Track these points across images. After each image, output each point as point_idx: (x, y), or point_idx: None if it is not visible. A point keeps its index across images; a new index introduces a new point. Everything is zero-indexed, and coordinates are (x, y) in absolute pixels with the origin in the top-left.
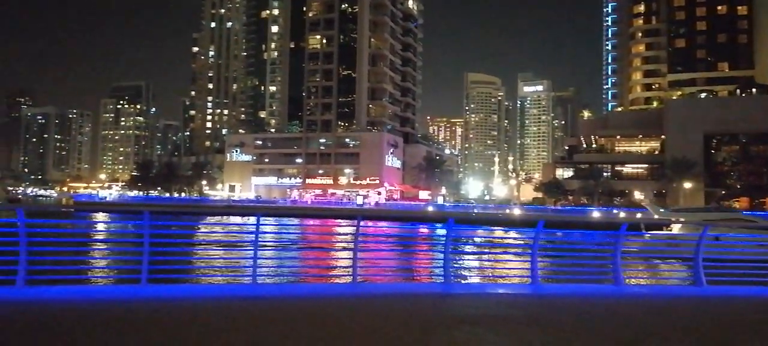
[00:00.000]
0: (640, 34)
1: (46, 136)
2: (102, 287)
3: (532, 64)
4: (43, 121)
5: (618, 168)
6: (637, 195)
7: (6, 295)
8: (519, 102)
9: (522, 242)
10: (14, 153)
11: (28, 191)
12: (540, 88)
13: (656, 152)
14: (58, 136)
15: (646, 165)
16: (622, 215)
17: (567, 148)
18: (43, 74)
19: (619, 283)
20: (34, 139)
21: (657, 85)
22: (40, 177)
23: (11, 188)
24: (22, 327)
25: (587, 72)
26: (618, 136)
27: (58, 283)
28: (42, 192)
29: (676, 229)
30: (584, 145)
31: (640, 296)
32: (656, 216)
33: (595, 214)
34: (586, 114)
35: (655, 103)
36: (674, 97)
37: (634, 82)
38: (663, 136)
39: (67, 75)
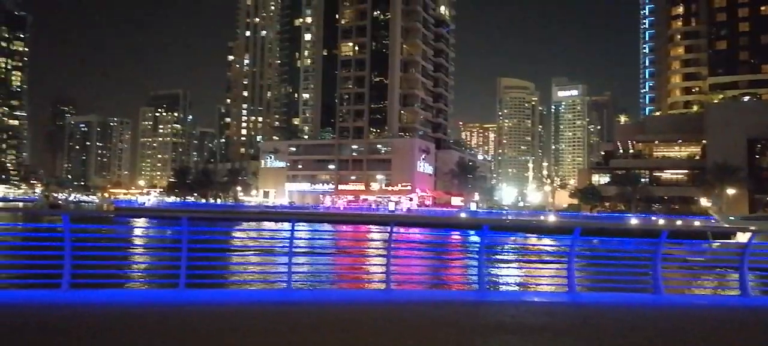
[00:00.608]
0: (679, 37)
1: (88, 143)
2: (142, 291)
3: (567, 69)
4: (86, 129)
5: (656, 174)
6: (704, 202)
7: (52, 298)
8: (553, 107)
9: (558, 250)
10: (58, 160)
11: (71, 196)
12: (575, 92)
13: (697, 157)
14: (100, 144)
15: (687, 170)
16: (662, 222)
17: (603, 153)
18: (85, 83)
19: (659, 292)
20: (77, 147)
21: (697, 89)
22: (82, 183)
23: (55, 194)
24: (68, 329)
25: (623, 76)
26: (656, 141)
27: (100, 287)
28: (84, 198)
29: (743, 237)
30: (621, 151)
31: (682, 305)
32: (726, 225)
33: (634, 221)
34: (622, 119)
35: (695, 107)
36: (715, 101)
37: (673, 86)
38: (704, 141)
39: (107, 84)
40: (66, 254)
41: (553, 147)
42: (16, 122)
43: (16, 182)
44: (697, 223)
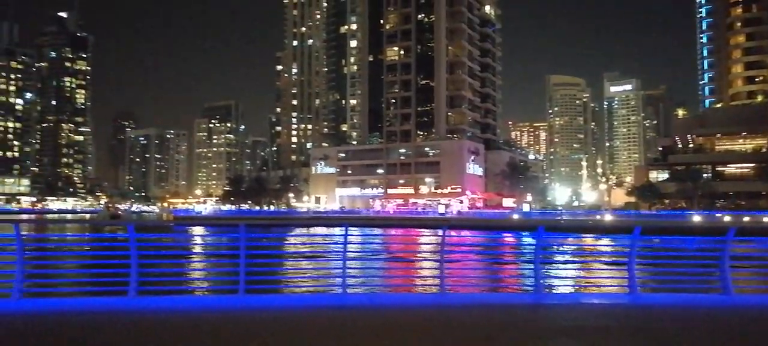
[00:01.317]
0: (739, 24)
1: (147, 155)
2: (204, 297)
3: (619, 63)
4: (145, 142)
5: (719, 169)
6: None
7: (120, 305)
8: (606, 103)
9: (616, 250)
10: (121, 172)
11: (133, 207)
12: (628, 87)
13: (764, 150)
14: (158, 156)
15: (753, 164)
16: (728, 219)
17: (661, 149)
18: (143, 98)
19: (728, 292)
20: (138, 159)
21: (761, 78)
22: (143, 194)
23: (117, 205)
24: (136, 334)
25: (680, 68)
26: (718, 135)
27: (164, 293)
28: (145, 208)
29: None
30: (680, 146)
31: (753, 306)
32: None
33: (696, 218)
34: (680, 112)
35: (759, 98)
36: None
37: (734, 76)
38: None
39: (164, 98)
40: (132, 262)
41: (607, 144)
42: (81, 138)
43: (82, 195)
44: (767, 219)
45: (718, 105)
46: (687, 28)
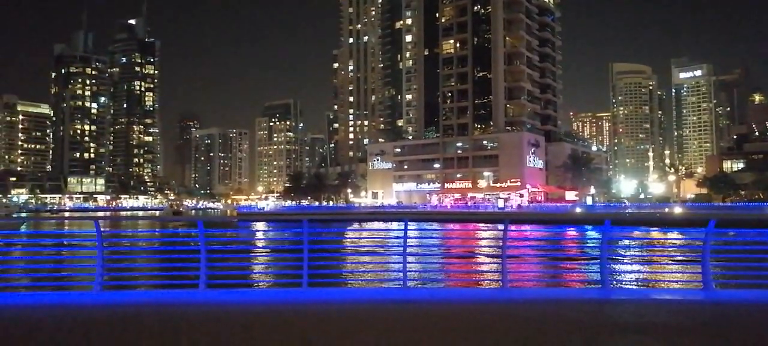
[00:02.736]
0: None
1: (211, 154)
2: (269, 291)
3: (688, 48)
4: (209, 141)
5: None
6: None
7: (192, 297)
8: (673, 90)
9: (688, 244)
10: (187, 170)
11: (199, 204)
12: (699, 73)
13: None
14: (222, 154)
15: None
16: None
17: (735, 137)
18: (206, 99)
19: None
20: (202, 158)
21: None
22: (208, 191)
23: (182, 202)
24: (207, 325)
25: (755, 51)
26: None
27: (232, 287)
28: (210, 204)
29: None
30: (757, 133)
31: None
32: None
33: None
34: (757, 98)
35: None
36: None
37: None
38: None
39: (226, 98)
40: (202, 257)
41: (676, 133)
42: (150, 139)
43: (152, 193)
44: None
45: None
46: (763, 7)
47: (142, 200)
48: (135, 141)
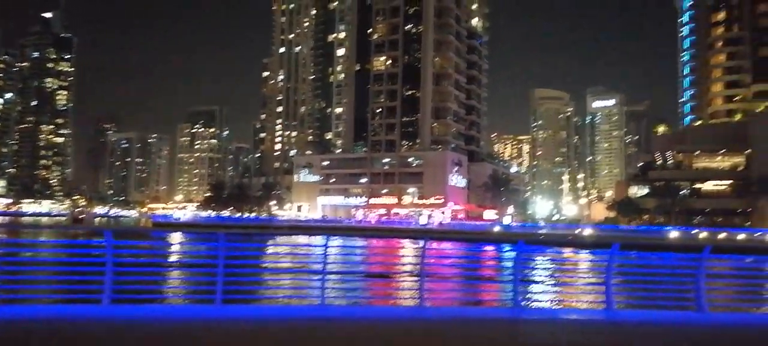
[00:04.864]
0: (720, 44)
1: (128, 159)
2: (181, 307)
3: (603, 78)
4: (126, 145)
5: (697, 185)
6: None
7: (93, 313)
8: (589, 117)
9: (595, 266)
10: (101, 176)
11: (111, 211)
12: (611, 102)
13: (740, 168)
14: (139, 160)
15: (730, 182)
16: (704, 235)
17: (641, 165)
18: (127, 101)
19: (702, 310)
20: (118, 163)
21: (740, 97)
22: (122, 198)
23: (96, 210)
24: (108, 344)
25: (662, 85)
26: (697, 152)
27: (140, 302)
28: (124, 212)
29: None
30: (660, 162)
31: (727, 323)
32: None
33: (674, 234)
34: (661, 129)
35: (737, 116)
36: (760, 110)
37: (714, 94)
38: (748, 151)
39: (148, 101)
40: (107, 270)
41: (589, 159)
42: (61, 140)
43: (60, 198)
44: (741, 236)
45: (698, 123)
46: (670, 46)
47: (46, 206)
48: (43, 142)
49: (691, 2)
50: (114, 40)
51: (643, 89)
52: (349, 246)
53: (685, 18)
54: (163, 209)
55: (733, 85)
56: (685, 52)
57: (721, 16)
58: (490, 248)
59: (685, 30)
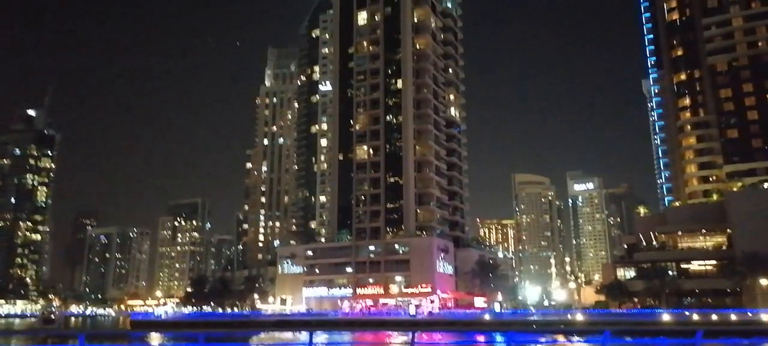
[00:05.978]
0: (689, 127)
1: (107, 255)
2: None
3: (581, 162)
4: (106, 241)
5: (684, 266)
6: None
7: None
8: (570, 201)
9: None
10: (77, 273)
11: (87, 311)
12: (591, 185)
13: (723, 247)
14: (119, 255)
15: (715, 261)
16: (696, 317)
17: (626, 246)
18: (107, 195)
19: None
20: (97, 259)
21: (714, 177)
22: (99, 296)
23: (71, 309)
24: None
25: (639, 167)
26: (679, 232)
27: None
28: (101, 311)
29: None
30: (644, 243)
31: None
32: None
33: (666, 317)
34: (642, 210)
35: (714, 196)
36: (735, 189)
37: (690, 176)
38: (728, 230)
39: (129, 195)
40: None
41: (574, 242)
42: (38, 237)
43: (34, 298)
44: (733, 317)
45: (677, 203)
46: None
47: (20, 306)
48: (20, 239)
49: (659, 89)
50: (98, 137)
51: (621, 171)
52: (335, 344)
53: (653, 104)
54: (143, 305)
55: (706, 166)
56: (658, 136)
57: (687, 101)
58: (481, 338)
59: (655, 115)
